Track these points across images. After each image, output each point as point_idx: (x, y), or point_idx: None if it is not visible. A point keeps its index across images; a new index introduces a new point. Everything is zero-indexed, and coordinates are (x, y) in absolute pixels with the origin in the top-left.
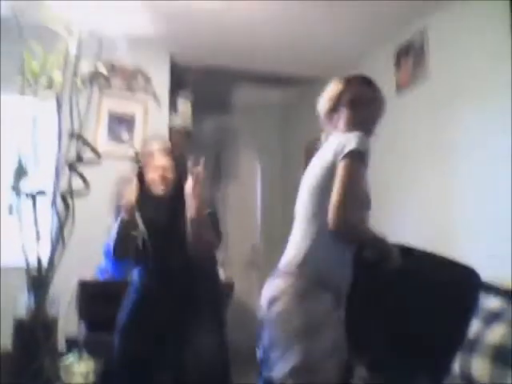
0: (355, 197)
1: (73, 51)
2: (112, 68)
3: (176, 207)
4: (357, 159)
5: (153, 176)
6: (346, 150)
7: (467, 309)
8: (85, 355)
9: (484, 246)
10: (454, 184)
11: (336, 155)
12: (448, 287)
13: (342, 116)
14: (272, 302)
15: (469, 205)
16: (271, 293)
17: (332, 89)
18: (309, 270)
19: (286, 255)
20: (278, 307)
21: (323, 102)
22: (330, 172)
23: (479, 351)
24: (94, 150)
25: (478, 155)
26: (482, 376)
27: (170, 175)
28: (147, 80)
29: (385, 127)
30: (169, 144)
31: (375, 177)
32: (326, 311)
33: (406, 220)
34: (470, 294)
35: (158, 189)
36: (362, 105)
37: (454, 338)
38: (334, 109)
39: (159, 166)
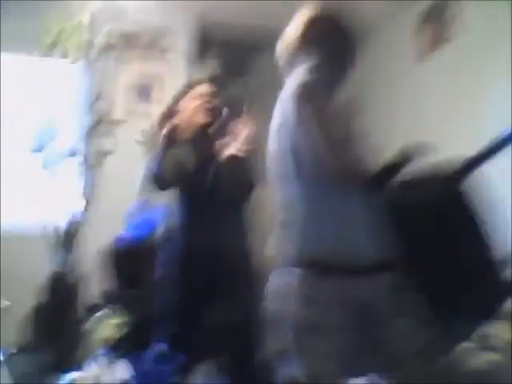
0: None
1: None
2: (129, 38)
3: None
4: (304, 95)
5: (194, 105)
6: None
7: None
8: (117, 308)
9: None
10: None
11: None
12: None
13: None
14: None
15: (501, 170)
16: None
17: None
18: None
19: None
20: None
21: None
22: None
23: None
24: (118, 113)
25: (503, 121)
26: None
27: (215, 102)
28: (165, 50)
29: (407, 92)
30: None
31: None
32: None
33: None
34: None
35: (200, 118)
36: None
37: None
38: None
39: (202, 94)
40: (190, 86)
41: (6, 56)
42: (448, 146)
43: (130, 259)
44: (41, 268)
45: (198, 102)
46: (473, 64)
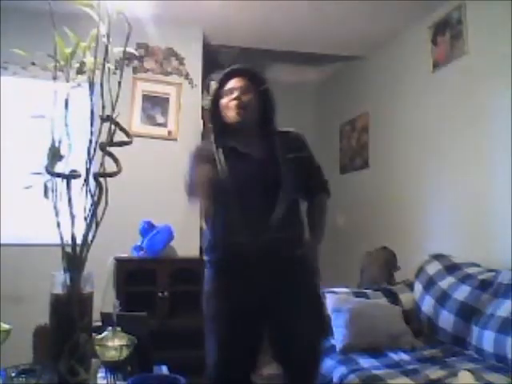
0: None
1: (104, 34)
2: (145, 50)
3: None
4: None
5: (225, 101)
6: None
7: None
8: (119, 330)
9: None
10: (490, 161)
11: None
12: None
13: None
14: None
15: (505, 182)
16: None
17: None
18: None
19: None
20: None
21: None
22: None
23: None
24: (125, 132)
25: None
26: None
27: (248, 97)
28: (180, 61)
29: (421, 103)
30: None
31: (412, 151)
32: None
33: (441, 197)
34: None
35: (232, 115)
36: None
37: None
38: None
39: (234, 88)
40: (221, 81)
41: (16, 78)
42: (459, 158)
43: (133, 278)
44: (43, 289)
45: (226, 100)
46: (482, 78)
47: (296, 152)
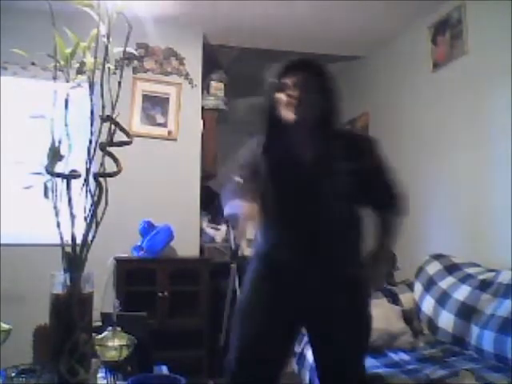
0: None
1: (104, 34)
2: (145, 50)
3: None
4: None
5: (281, 97)
6: None
7: None
8: (119, 330)
9: None
10: (490, 162)
11: None
12: None
13: None
14: None
15: (504, 183)
16: None
17: None
18: None
19: None
20: None
21: None
22: None
23: None
24: (125, 132)
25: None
26: None
27: (308, 94)
28: (180, 61)
29: (421, 103)
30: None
31: (412, 151)
32: None
33: (441, 197)
34: None
35: (287, 113)
36: None
37: None
38: None
39: (292, 83)
40: (279, 74)
41: (16, 78)
42: (460, 158)
43: (133, 278)
44: (43, 289)
45: (282, 95)
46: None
47: (358, 159)
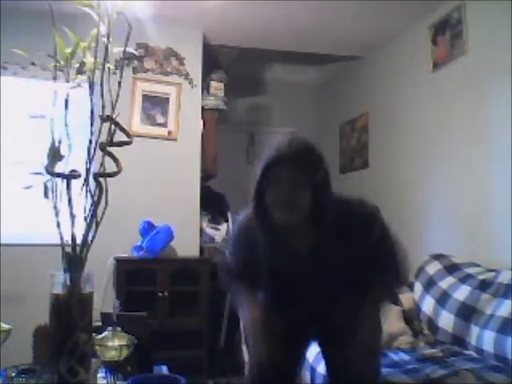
0: None
1: (104, 34)
2: (145, 50)
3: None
4: None
5: (272, 198)
6: None
7: None
8: (119, 330)
9: None
10: (489, 162)
11: None
12: None
13: None
14: None
15: (505, 181)
16: None
17: None
18: None
19: None
20: None
21: None
22: None
23: None
24: (125, 132)
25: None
26: None
27: (299, 198)
28: (180, 61)
29: (421, 103)
30: (304, 147)
31: (412, 151)
32: None
33: (441, 197)
34: None
35: (279, 215)
36: None
37: None
38: None
39: (283, 182)
40: (265, 169)
41: (16, 78)
42: (460, 158)
43: (133, 278)
44: (43, 289)
45: (272, 195)
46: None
47: (356, 253)
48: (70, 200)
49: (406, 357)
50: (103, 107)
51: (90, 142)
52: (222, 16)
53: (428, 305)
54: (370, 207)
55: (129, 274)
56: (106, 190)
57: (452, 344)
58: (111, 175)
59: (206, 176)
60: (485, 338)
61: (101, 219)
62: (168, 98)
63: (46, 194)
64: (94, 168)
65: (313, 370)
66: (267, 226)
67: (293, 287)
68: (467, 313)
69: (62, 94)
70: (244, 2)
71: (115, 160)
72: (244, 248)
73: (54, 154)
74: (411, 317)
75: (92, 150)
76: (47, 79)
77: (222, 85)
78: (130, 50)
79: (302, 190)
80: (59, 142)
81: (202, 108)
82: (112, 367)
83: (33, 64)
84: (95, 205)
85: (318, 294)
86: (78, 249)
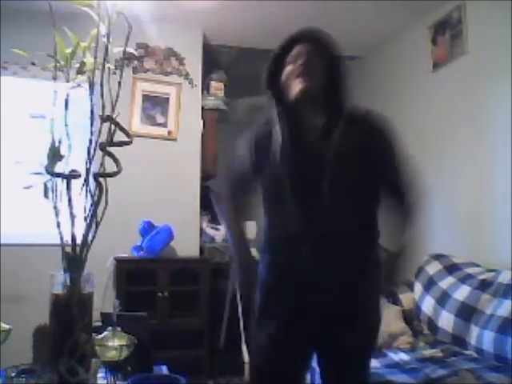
0: None
1: (104, 34)
2: (145, 50)
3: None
4: None
5: (289, 69)
6: None
7: None
8: (119, 330)
9: None
10: (490, 162)
11: None
12: None
13: None
14: None
15: (506, 181)
16: None
17: None
18: None
19: None
20: None
21: None
22: None
23: None
24: (125, 132)
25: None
26: None
27: (315, 69)
28: (180, 61)
29: (421, 103)
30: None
31: (412, 151)
32: None
33: (441, 197)
34: None
35: (296, 85)
36: None
37: None
38: None
39: (300, 54)
40: (284, 48)
41: (16, 78)
42: (459, 158)
43: (133, 278)
44: (43, 289)
45: (290, 68)
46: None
47: (370, 147)
48: (69, 200)
49: (405, 357)
50: (103, 107)
51: (90, 141)
52: (222, 16)
53: (428, 305)
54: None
55: (129, 274)
56: (106, 190)
57: (452, 344)
58: (111, 175)
59: (205, 176)
60: (485, 338)
61: (101, 219)
62: (168, 98)
63: (45, 194)
64: (94, 168)
65: (313, 370)
66: (283, 105)
67: (303, 172)
68: (467, 313)
69: (61, 94)
70: (244, 2)
71: (115, 160)
72: (250, 145)
73: (54, 154)
74: (411, 317)
75: (92, 150)
76: (47, 79)
77: (221, 85)
78: (130, 49)
79: (319, 62)
80: (59, 142)
81: (202, 108)
82: (112, 367)
83: (33, 64)
84: (95, 205)
85: (325, 203)
86: (78, 249)
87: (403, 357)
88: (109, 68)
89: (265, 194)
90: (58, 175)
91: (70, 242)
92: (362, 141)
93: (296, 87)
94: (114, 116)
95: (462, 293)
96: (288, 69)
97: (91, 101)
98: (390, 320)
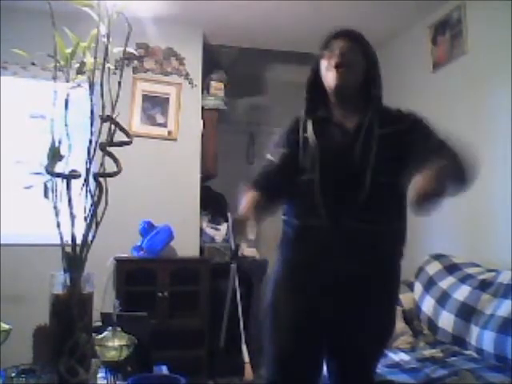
0: None
1: (104, 34)
2: (145, 50)
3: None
4: None
5: (329, 62)
6: None
7: None
8: (119, 330)
9: None
10: (490, 162)
11: None
12: None
13: None
14: None
15: (506, 181)
16: None
17: None
18: None
19: None
20: None
21: None
22: None
23: None
24: (125, 132)
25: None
26: None
27: (354, 61)
28: (180, 61)
29: (421, 103)
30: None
31: None
32: None
33: None
34: None
35: (333, 75)
36: None
37: None
38: None
39: (340, 47)
40: (325, 44)
41: (16, 78)
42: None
43: (133, 278)
44: (43, 289)
45: (327, 60)
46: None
47: (404, 142)
48: (69, 200)
49: (405, 357)
50: (103, 107)
51: (90, 142)
52: (222, 16)
53: (428, 305)
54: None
55: (129, 274)
56: (106, 190)
57: (452, 344)
58: (111, 175)
59: (205, 176)
60: (485, 338)
61: (101, 219)
62: (168, 98)
63: (45, 194)
64: (94, 168)
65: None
66: (322, 98)
67: (341, 165)
68: (467, 313)
69: (62, 94)
70: (244, 2)
71: (115, 160)
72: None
73: (54, 154)
74: (411, 317)
75: (92, 150)
76: (47, 79)
77: (221, 85)
78: (130, 49)
79: (357, 56)
80: (59, 142)
81: (202, 108)
82: (112, 367)
83: (33, 64)
84: (95, 205)
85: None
86: (78, 249)
87: (403, 357)
88: (109, 68)
89: (296, 191)
90: (58, 175)
91: (69, 242)
92: (400, 141)
93: (334, 77)
94: (114, 116)
95: (462, 293)
96: (325, 62)
97: (91, 101)
98: None
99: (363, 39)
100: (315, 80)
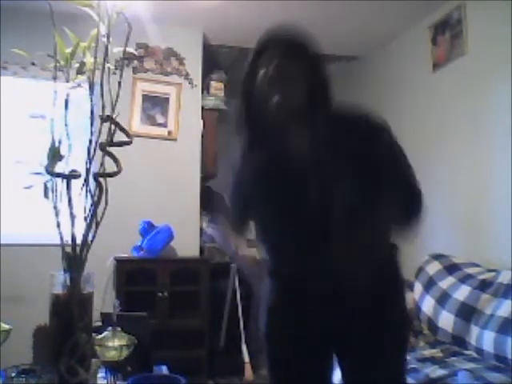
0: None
1: (104, 34)
2: (145, 50)
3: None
4: None
5: (263, 72)
6: None
7: None
8: (119, 330)
9: None
10: (490, 162)
11: None
12: None
13: None
14: None
15: (504, 183)
16: None
17: None
18: None
19: None
20: None
21: None
22: None
23: None
24: (125, 132)
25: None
26: None
27: (293, 64)
28: (180, 61)
29: (421, 103)
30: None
31: (411, 153)
32: None
33: (441, 196)
34: None
35: (272, 90)
36: None
37: None
38: None
39: (274, 55)
40: (256, 53)
41: (16, 78)
42: (459, 158)
43: (133, 278)
44: (43, 289)
45: (263, 70)
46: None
47: (363, 147)
48: (70, 200)
49: None
50: (103, 107)
51: (90, 141)
52: (222, 16)
53: (428, 305)
54: (379, 117)
55: (129, 274)
56: (106, 190)
57: (452, 344)
58: (111, 175)
59: (205, 176)
60: (485, 338)
61: (101, 219)
62: (168, 98)
63: (45, 194)
64: (94, 168)
65: None
66: (262, 125)
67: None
68: (467, 313)
69: (61, 94)
70: (244, 2)
71: (115, 160)
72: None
73: (54, 154)
74: (411, 317)
75: (92, 150)
76: (47, 79)
77: (221, 85)
78: (130, 49)
79: (294, 66)
80: (59, 142)
81: (202, 108)
82: (112, 367)
83: (33, 64)
84: (95, 205)
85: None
86: (78, 249)
87: None
88: (109, 68)
89: (260, 226)
90: (58, 175)
91: (69, 242)
92: (358, 152)
93: (274, 100)
94: (114, 116)
95: (462, 293)
96: (259, 80)
97: (91, 101)
98: None
99: (304, 40)
100: (249, 96)
